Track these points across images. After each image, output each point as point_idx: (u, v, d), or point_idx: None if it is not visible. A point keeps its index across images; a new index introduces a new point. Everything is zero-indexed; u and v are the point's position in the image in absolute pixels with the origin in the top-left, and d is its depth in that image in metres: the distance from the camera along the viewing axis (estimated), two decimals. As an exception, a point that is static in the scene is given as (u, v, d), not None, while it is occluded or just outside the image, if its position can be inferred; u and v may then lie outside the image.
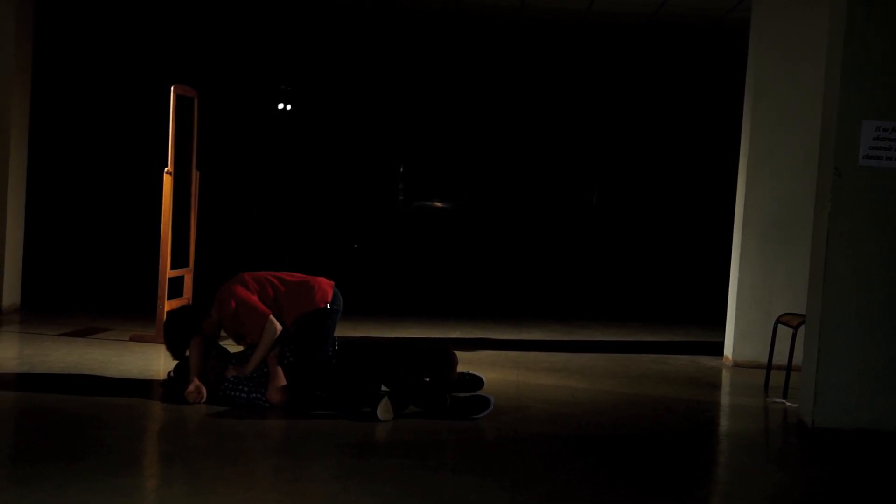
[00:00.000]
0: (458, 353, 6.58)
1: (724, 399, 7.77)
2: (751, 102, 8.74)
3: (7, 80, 9.67)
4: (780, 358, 7.89)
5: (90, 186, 13.74)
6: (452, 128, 15.50)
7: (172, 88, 8.78)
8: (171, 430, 6.08)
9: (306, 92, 15.05)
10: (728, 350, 8.88)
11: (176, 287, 9.12)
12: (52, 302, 10.67)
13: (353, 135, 15.31)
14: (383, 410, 6.16)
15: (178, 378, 6.61)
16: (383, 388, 6.38)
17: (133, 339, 8.69)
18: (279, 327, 6.45)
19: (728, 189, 10.16)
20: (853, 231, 6.37)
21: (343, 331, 9.04)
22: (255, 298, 6.52)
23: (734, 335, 8.76)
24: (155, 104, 11.36)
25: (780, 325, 7.81)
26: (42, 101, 11.32)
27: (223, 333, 6.83)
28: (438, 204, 15.98)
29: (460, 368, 6.71)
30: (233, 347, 6.96)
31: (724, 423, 7.01)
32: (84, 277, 12.71)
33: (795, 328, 7.40)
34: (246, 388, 6.40)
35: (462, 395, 6.47)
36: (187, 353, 6.64)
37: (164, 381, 6.80)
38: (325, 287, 6.66)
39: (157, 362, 7.67)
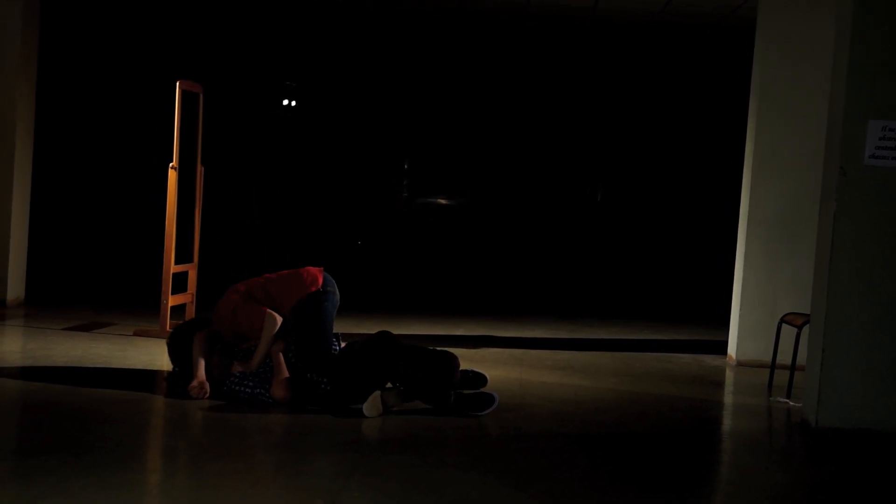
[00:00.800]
0: (462, 351, 6.58)
1: (728, 398, 7.77)
2: (756, 101, 8.73)
3: (13, 75, 9.69)
4: (784, 357, 7.89)
5: (95, 181, 13.75)
6: (457, 125, 15.50)
7: (178, 84, 8.78)
8: (174, 425, 6.09)
9: (311, 88, 15.05)
10: (731, 349, 8.87)
11: (180, 282, 9.13)
12: (56, 296, 10.69)
13: (358, 131, 15.31)
14: (370, 406, 6.16)
15: (181, 373, 6.62)
16: (388, 385, 6.38)
17: (137, 333, 8.69)
18: (279, 319, 6.48)
19: (732, 188, 10.15)
20: (858, 230, 6.36)
21: (347, 328, 9.07)
22: (249, 300, 6.57)
23: (738, 334, 8.75)
24: (160, 99, 11.37)
25: (783, 325, 7.80)
26: (47, 96, 11.33)
27: None
28: (442, 201, 15.98)
29: (463, 365, 6.71)
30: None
31: (727, 422, 7.00)
32: (88, 272, 12.73)
33: (799, 328, 7.39)
34: (251, 384, 6.41)
35: (466, 392, 6.47)
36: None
37: (168, 376, 6.81)
38: (314, 272, 6.74)
39: (161, 357, 7.67)
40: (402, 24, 13.61)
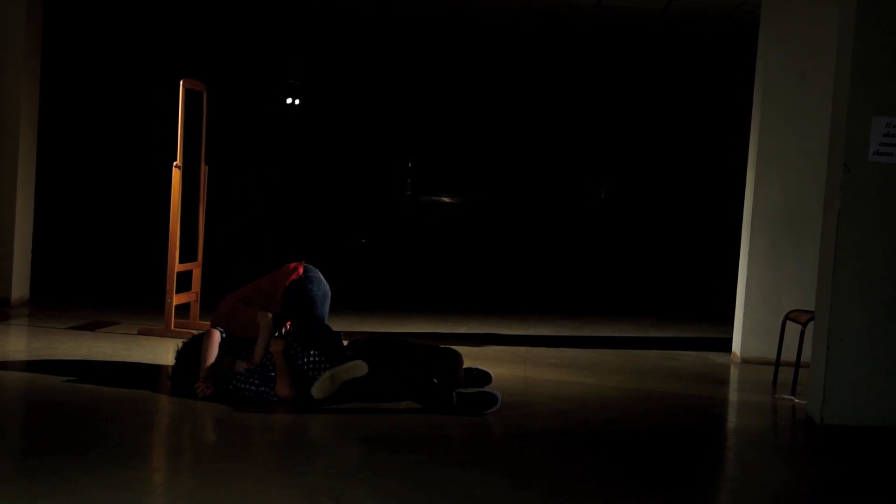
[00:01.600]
0: (466, 349, 6.57)
1: (733, 395, 7.76)
2: (760, 98, 8.71)
3: (17, 75, 9.69)
4: (789, 354, 7.87)
5: (99, 180, 13.76)
6: (460, 123, 15.49)
7: (181, 83, 8.78)
8: (178, 423, 6.09)
9: (314, 87, 15.05)
10: (736, 346, 8.86)
11: (185, 281, 9.13)
12: (60, 295, 10.69)
13: (361, 130, 15.31)
14: (318, 388, 6.17)
15: (186, 372, 6.62)
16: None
17: (142, 332, 8.70)
18: (270, 314, 6.59)
19: (737, 185, 10.14)
20: (862, 227, 6.35)
21: (351, 325, 9.08)
22: (238, 306, 6.75)
23: (742, 331, 8.74)
24: (164, 98, 11.37)
25: (788, 322, 7.79)
26: (51, 95, 11.34)
27: None
28: (446, 199, 15.98)
29: (467, 363, 6.71)
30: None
31: (732, 419, 7.00)
32: (93, 271, 12.73)
33: (804, 325, 7.38)
34: (255, 382, 6.41)
35: (469, 391, 6.47)
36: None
37: (172, 375, 6.82)
38: (294, 265, 6.90)
39: (165, 356, 7.67)
40: (405, 22, 13.60)
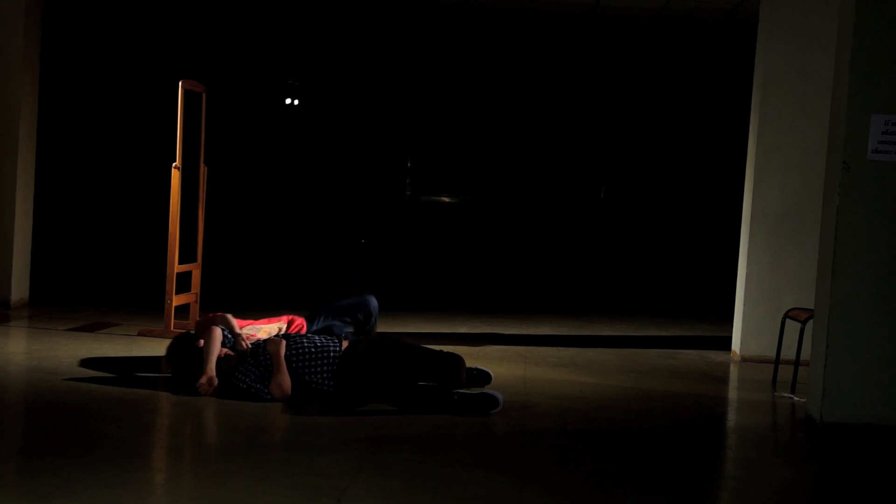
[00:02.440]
0: (466, 348, 6.58)
1: (733, 394, 7.77)
2: (759, 96, 8.72)
3: (16, 76, 9.70)
4: (789, 353, 7.88)
5: (98, 181, 13.75)
6: (460, 122, 15.49)
7: (180, 83, 8.79)
8: (179, 424, 6.09)
9: (314, 87, 15.05)
10: (736, 345, 8.87)
11: (184, 282, 9.13)
12: (60, 297, 10.70)
13: (361, 130, 15.30)
14: None
15: (188, 369, 6.63)
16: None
17: (141, 333, 8.70)
18: (220, 329, 6.75)
19: (736, 184, 10.14)
20: (862, 225, 6.35)
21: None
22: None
23: (742, 330, 8.75)
24: (163, 99, 11.37)
25: (788, 320, 7.80)
26: (50, 96, 11.34)
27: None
28: (446, 199, 15.97)
29: (468, 363, 6.71)
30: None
31: (732, 417, 7.00)
32: (92, 272, 12.74)
33: (803, 323, 7.39)
34: (251, 379, 6.42)
35: (470, 391, 6.47)
36: (200, 343, 6.73)
37: (168, 374, 6.83)
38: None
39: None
40: (405, 22, 13.61)
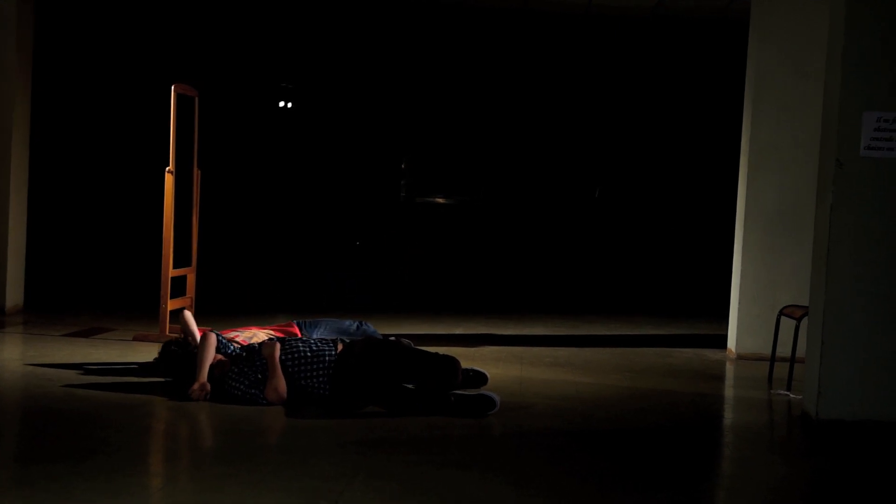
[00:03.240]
0: (462, 349, 6.59)
1: (729, 392, 7.77)
2: (751, 94, 8.73)
3: (9, 80, 9.68)
4: (784, 350, 7.89)
5: (92, 186, 13.74)
6: (454, 124, 15.49)
7: (173, 88, 8.78)
8: (175, 429, 6.09)
9: (307, 89, 15.04)
10: (731, 343, 8.88)
11: (179, 286, 9.12)
12: (55, 302, 10.68)
13: (355, 132, 15.30)
14: None
15: (183, 375, 6.63)
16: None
17: (137, 338, 8.69)
18: (214, 335, 6.73)
19: (731, 182, 10.15)
20: (855, 222, 6.36)
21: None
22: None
23: (737, 328, 8.76)
24: (156, 103, 11.36)
25: (783, 317, 7.81)
26: (43, 100, 11.32)
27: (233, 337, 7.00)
28: (441, 200, 15.97)
29: (464, 364, 6.71)
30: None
31: (728, 415, 7.01)
32: (87, 278, 12.72)
33: (798, 320, 7.40)
34: (246, 383, 6.42)
35: (467, 392, 6.47)
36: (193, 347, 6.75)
37: (168, 380, 6.81)
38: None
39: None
40: (399, 23, 13.61)
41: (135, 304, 10.61)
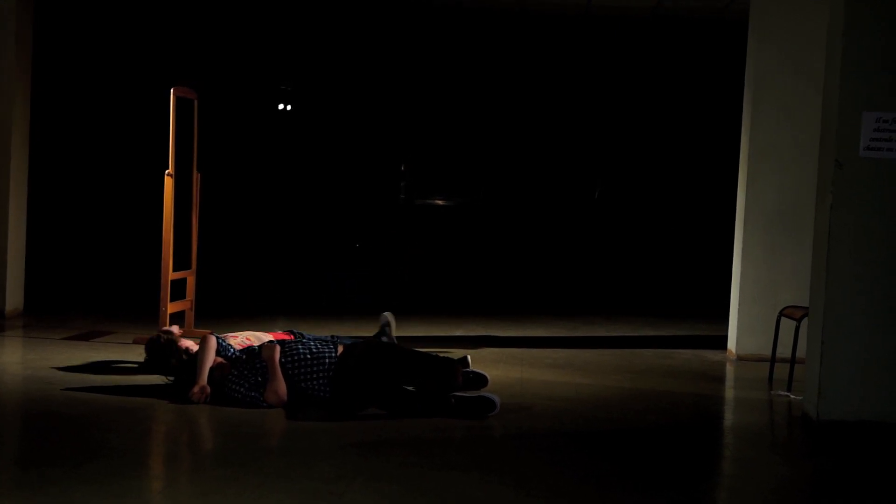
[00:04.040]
0: (462, 351, 6.58)
1: (729, 393, 7.77)
2: (751, 94, 8.73)
3: (8, 84, 9.68)
4: (784, 351, 7.89)
5: (91, 189, 13.75)
6: (453, 125, 15.50)
7: (172, 91, 8.78)
8: (175, 431, 6.08)
9: (307, 92, 15.05)
10: (731, 344, 8.87)
11: (179, 289, 9.12)
12: (55, 306, 10.67)
13: (354, 134, 15.31)
14: None
15: (183, 378, 6.63)
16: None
17: (136, 341, 8.68)
18: (214, 338, 6.73)
19: (731, 182, 10.15)
20: (855, 223, 6.36)
21: (347, 330, 9.07)
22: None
23: (737, 329, 8.75)
24: (155, 106, 11.37)
25: (783, 318, 7.80)
26: (43, 104, 11.32)
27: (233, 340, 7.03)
28: (440, 201, 15.98)
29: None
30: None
31: (728, 416, 7.01)
32: (87, 281, 12.72)
33: (798, 321, 7.40)
34: (246, 386, 6.42)
35: (467, 394, 6.47)
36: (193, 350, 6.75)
37: (169, 383, 6.81)
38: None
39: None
40: (398, 24, 13.61)
41: (135, 307, 10.60)
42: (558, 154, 15.37)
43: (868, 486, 5.34)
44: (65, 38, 13.16)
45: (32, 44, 10.05)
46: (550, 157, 15.40)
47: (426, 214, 15.89)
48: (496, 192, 15.64)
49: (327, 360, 6.47)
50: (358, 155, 15.35)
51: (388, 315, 7.73)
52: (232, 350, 6.77)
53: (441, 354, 6.78)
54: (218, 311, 10.29)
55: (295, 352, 6.52)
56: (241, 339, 7.22)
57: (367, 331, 8.55)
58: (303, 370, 6.44)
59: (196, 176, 9.27)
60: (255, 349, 6.65)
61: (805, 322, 7.05)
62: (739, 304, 8.73)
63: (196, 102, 9.21)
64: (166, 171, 8.71)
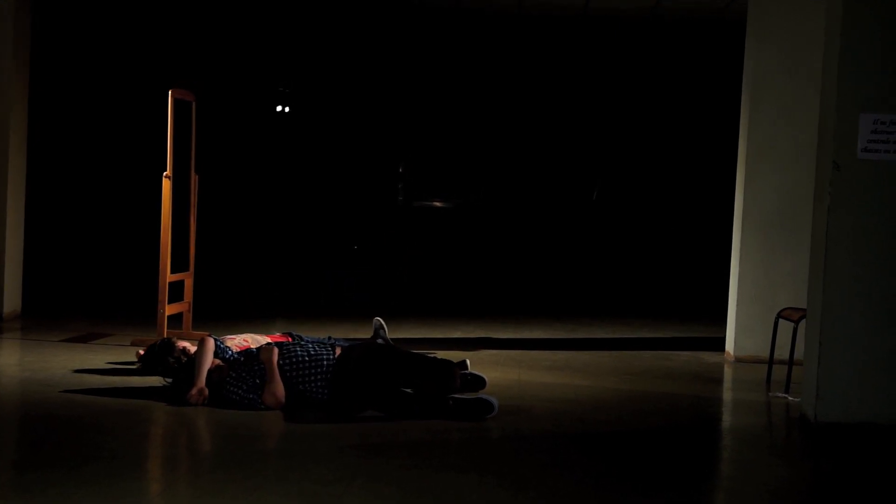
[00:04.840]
0: (460, 353, 6.58)
1: (727, 395, 7.77)
2: (749, 95, 8.73)
3: (5, 85, 9.67)
4: (782, 352, 7.89)
5: (89, 191, 13.74)
6: (451, 127, 15.50)
7: (170, 93, 8.78)
8: (173, 434, 6.08)
9: (304, 94, 15.05)
10: (729, 345, 8.87)
11: (177, 291, 9.12)
12: (52, 308, 10.67)
13: (352, 136, 15.31)
14: None
15: (182, 380, 6.63)
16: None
17: (134, 343, 8.68)
18: (212, 340, 6.75)
19: (729, 183, 10.15)
20: (853, 224, 6.36)
21: (346, 332, 9.08)
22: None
23: (735, 330, 8.75)
24: (153, 108, 11.36)
25: (781, 320, 7.80)
26: (40, 106, 11.32)
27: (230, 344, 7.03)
28: (438, 203, 15.98)
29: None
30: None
31: (726, 418, 7.01)
32: (85, 283, 12.71)
33: (796, 322, 7.40)
34: (244, 388, 6.41)
35: (465, 396, 6.47)
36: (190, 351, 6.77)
37: (167, 385, 6.81)
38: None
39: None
40: (396, 26, 13.61)
41: (133, 309, 10.60)
42: (557, 155, 15.37)
43: (866, 488, 5.34)
44: (63, 40, 13.15)
45: (30, 45, 10.05)
46: (549, 159, 15.40)
47: (424, 216, 15.88)
48: (494, 193, 15.64)
49: (325, 363, 6.47)
50: (356, 156, 15.35)
51: (379, 319, 7.79)
52: (230, 352, 6.77)
53: (439, 356, 6.79)
54: (216, 313, 10.30)
55: (293, 354, 6.51)
56: (238, 341, 7.22)
57: (366, 332, 8.56)
58: (301, 372, 6.44)
59: (194, 178, 9.27)
60: (253, 351, 6.65)
61: (803, 323, 7.05)
62: (737, 306, 8.73)
63: (194, 104, 9.21)
64: (164, 173, 8.71)
